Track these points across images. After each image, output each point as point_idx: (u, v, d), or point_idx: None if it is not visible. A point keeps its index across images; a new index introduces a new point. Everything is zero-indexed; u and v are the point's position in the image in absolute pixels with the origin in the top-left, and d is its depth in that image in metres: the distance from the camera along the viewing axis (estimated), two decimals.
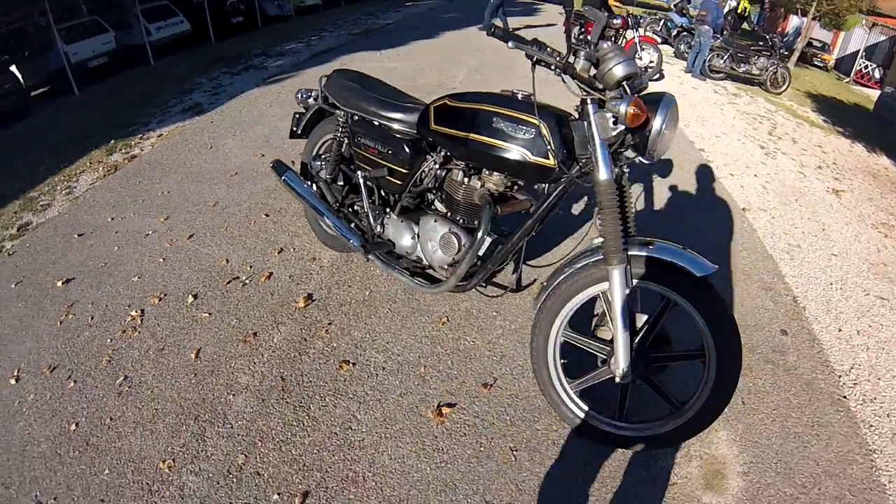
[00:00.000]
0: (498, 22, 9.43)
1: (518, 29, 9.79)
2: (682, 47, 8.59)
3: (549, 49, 1.40)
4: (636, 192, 3.59)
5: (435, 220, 1.85)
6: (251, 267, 2.70)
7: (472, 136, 1.59)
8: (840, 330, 2.48)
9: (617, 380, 1.52)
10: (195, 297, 2.49)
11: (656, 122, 1.36)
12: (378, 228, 2.14)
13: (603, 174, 1.37)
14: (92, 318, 2.40)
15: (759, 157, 4.77)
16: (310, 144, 2.56)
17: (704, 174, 4.09)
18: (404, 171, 1.91)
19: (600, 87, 1.38)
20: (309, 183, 2.49)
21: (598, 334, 1.66)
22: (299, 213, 3.14)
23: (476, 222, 1.74)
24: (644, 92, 1.45)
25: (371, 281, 2.54)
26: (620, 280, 1.40)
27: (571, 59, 1.39)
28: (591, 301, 1.62)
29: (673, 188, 3.72)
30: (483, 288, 2.15)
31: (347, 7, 16.51)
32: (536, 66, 1.44)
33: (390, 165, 1.96)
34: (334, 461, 1.67)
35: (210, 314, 2.37)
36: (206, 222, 3.16)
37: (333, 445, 1.72)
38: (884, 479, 1.72)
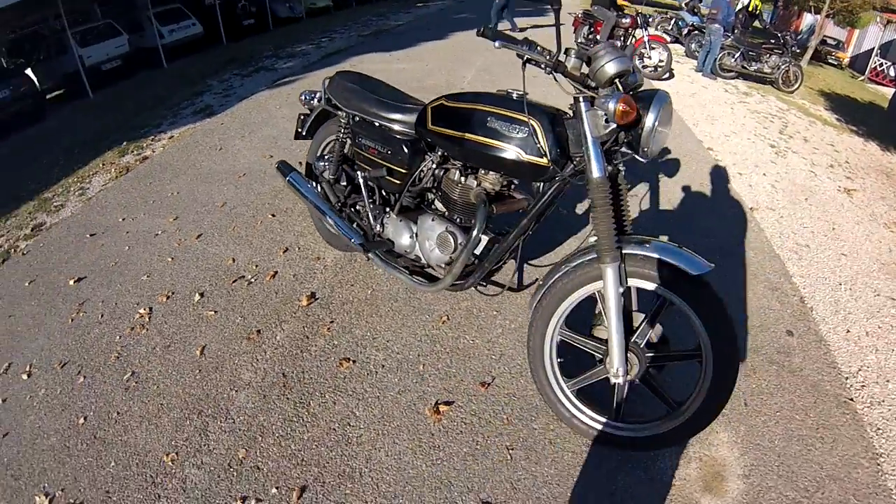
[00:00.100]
0: (505, 24, 9.44)
1: (524, 29, 9.78)
2: (693, 46, 8.50)
3: (539, 48, 1.41)
4: (642, 191, 3.58)
5: (432, 220, 1.87)
6: (257, 266, 2.75)
7: (468, 135, 1.60)
8: (848, 331, 2.44)
9: (611, 379, 1.51)
10: (202, 295, 2.54)
11: (648, 120, 1.35)
12: (378, 227, 2.16)
13: (595, 172, 1.38)
14: (102, 315, 2.47)
15: (769, 155, 4.70)
16: (314, 145, 2.60)
17: (712, 173, 4.05)
18: (403, 170, 1.94)
19: (593, 85, 1.38)
20: (313, 183, 2.53)
21: (595, 333, 1.65)
22: (305, 214, 3.18)
23: (472, 221, 1.75)
24: (641, 89, 1.45)
25: (373, 280, 2.57)
26: (614, 278, 1.40)
27: (563, 57, 1.39)
28: (592, 300, 1.61)
29: (679, 187, 3.70)
30: (483, 287, 2.17)
31: (358, 8, 16.64)
32: (527, 65, 1.45)
33: (390, 165, 1.98)
34: (332, 456, 1.69)
35: (216, 312, 2.42)
36: (214, 222, 3.22)
37: (332, 441, 1.75)
38: (890, 483, 1.68)
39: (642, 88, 1.45)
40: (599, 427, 1.67)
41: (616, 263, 1.40)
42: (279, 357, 2.12)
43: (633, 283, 1.48)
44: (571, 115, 1.50)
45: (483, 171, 1.73)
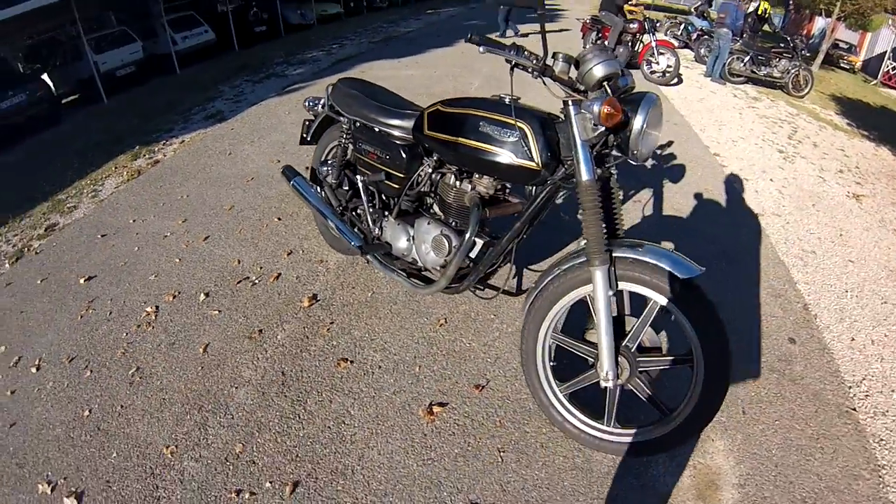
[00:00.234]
0: (510, 34, 9.51)
1: (529, 34, 9.83)
2: (702, 51, 8.46)
3: (526, 52, 1.43)
4: (646, 196, 3.58)
5: (428, 223, 1.90)
6: (261, 268, 2.80)
7: (461, 140, 1.63)
8: (853, 339, 2.40)
9: (601, 383, 1.51)
10: (207, 295, 2.60)
11: (637, 122, 1.37)
12: (377, 231, 2.20)
13: (584, 175, 1.40)
14: (110, 313, 2.54)
15: (777, 161, 4.67)
16: (318, 150, 2.65)
17: (717, 179, 4.04)
18: (401, 175, 1.97)
19: (582, 88, 1.40)
20: (317, 188, 2.58)
21: (588, 337, 1.65)
22: (310, 218, 3.24)
23: (466, 224, 1.77)
24: (630, 92, 1.46)
25: (374, 283, 2.60)
26: (603, 281, 1.41)
27: (550, 61, 1.41)
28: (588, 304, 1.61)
29: (683, 193, 3.69)
30: (481, 290, 2.19)
31: (369, 15, 16.83)
32: (515, 69, 1.47)
33: (388, 170, 2.02)
34: (326, 453, 1.73)
35: (220, 311, 2.47)
36: (222, 225, 3.28)
37: (326, 438, 1.78)
38: (892, 496, 1.65)
39: (635, 91, 1.47)
40: (591, 431, 1.66)
41: (605, 266, 1.41)
42: (279, 356, 2.16)
43: (624, 286, 1.48)
44: (563, 118, 1.51)
45: (477, 176, 1.76)
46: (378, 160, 2.06)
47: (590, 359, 1.62)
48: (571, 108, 1.40)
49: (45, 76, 9.52)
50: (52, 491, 1.67)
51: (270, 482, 1.63)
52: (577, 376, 1.67)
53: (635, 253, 1.43)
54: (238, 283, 2.68)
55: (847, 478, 1.69)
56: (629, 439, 1.62)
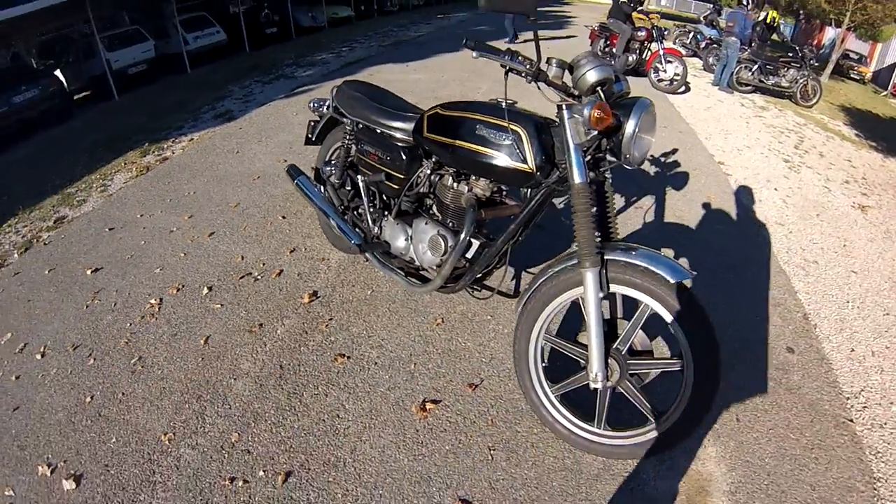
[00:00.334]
0: (511, 46, 9.56)
1: (528, 41, 9.87)
2: (710, 60, 8.46)
3: (520, 58, 1.46)
4: (648, 203, 3.59)
5: (426, 223, 1.93)
6: (264, 264, 2.85)
7: (458, 142, 1.66)
8: (853, 350, 2.39)
9: (591, 384, 1.52)
10: (210, 289, 2.64)
11: (629, 127, 1.39)
12: (376, 230, 2.24)
13: (577, 178, 1.42)
14: (115, 304, 2.59)
15: (782, 170, 4.67)
16: (323, 151, 2.69)
17: (721, 187, 4.04)
18: (401, 175, 2.01)
19: (576, 93, 1.43)
20: (320, 187, 2.62)
21: (580, 339, 1.66)
22: (313, 217, 3.28)
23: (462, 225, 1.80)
24: (624, 98, 1.49)
25: (374, 282, 2.64)
26: (594, 283, 1.43)
27: (544, 66, 1.44)
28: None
29: (686, 201, 3.69)
30: (478, 291, 2.21)
31: (380, 19, 16.96)
32: (509, 74, 1.50)
33: (388, 170, 2.05)
34: (319, 445, 1.76)
35: (222, 305, 2.51)
36: (227, 222, 3.34)
37: (320, 431, 1.81)
38: None
39: (629, 96, 1.49)
40: (581, 433, 1.67)
41: (596, 268, 1.43)
42: (278, 350, 2.20)
43: (616, 289, 1.49)
44: (558, 123, 1.54)
45: (474, 178, 1.78)
46: (379, 161, 2.10)
47: (581, 361, 1.63)
48: (565, 113, 1.43)
49: (57, 72, 9.67)
50: (51, 473, 1.72)
51: (264, 471, 1.67)
52: (569, 378, 1.68)
53: (627, 256, 1.44)
54: (241, 278, 2.73)
55: (841, 489, 1.67)
56: (619, 442, 1.62)
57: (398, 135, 2.02)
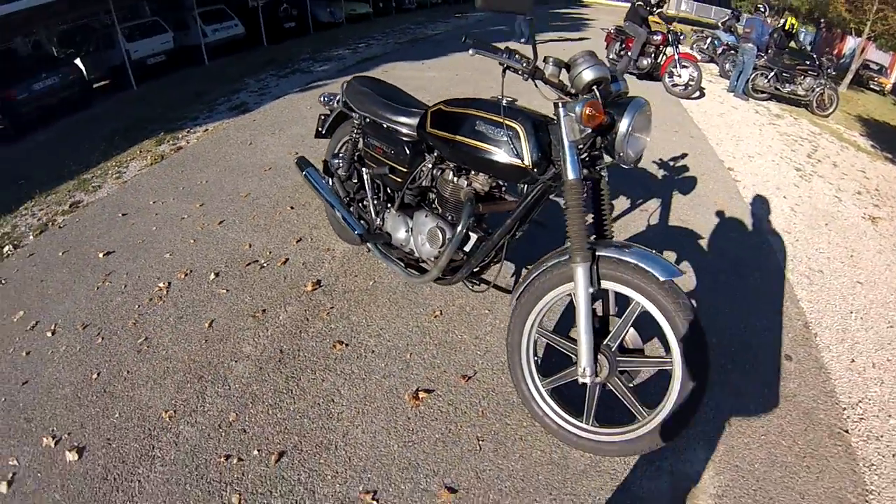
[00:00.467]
0: (521, 48, 9.59)
1: (546, 42, 9.89)
2: (727, 66, 8.38)
3: (517, 56, 1.49)
4: (653, 205, 3.59)
5: (426, 216, 1.98)
6: (270, 252, 2.91)
7: (458, 138, 1.70)
8: (853, 361, 2.37)
9: (579, 379, 1.54)
10: (217, 275, 2.71)
11: (622, 126, 1.41)
12: (379, 221, 2.29)
13: (570, 174, 1.45)
14: (125, 286, 2.67)
15: (793, 178, 4.62)
16: (332, 144, 2.74)
17: (728, 193, 4.02)
18: (404, 169, 2.05)
19: (573, 91, 1.46)
20: (328, 179, 2.67)
21: (573, 334, 1.65)
22: (321, 208, 3.34)
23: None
24: (622, 97, 1.51)
25: (376, 273, 2.68)
26: (584, 278, 1.45)
27: (541, 65, 1.47)
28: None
29: (692, 205, 3.68)
30: (477, 285, 2.24)
31: (398, 16, 17.04)
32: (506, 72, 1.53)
33: (392, 164, 2.10)
34: (313, 428, 1.81)
35: (227, 291, 2.58)
36: (237, 210, 3.41)
37: (315, 414, 1.86)
38: None
39: (628, 96, 1.51)
40: (570, 428, 1.68)
41: (587, 264, 1.45)
42: (279, 335, 2.26)
43: (607, 285, 1.51)
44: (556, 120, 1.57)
45: (473, 173, 1.82)
46: (384, 154, 2.14)
47: (573, 356, 1.64)
48: (561, 110, 1.46)
49: (77, 61, 9.90)
50: (55, 444, 1.79)
51: (258, 450, 1.72)
52: (560, 372, 1.69)
53: (619, 253, 1.46)
54: (247, 265, 2.79)
55: (832, 500, 1.65)
56: (607, 439, 1.62)
57: (403, 129, 2.06)
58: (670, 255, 2.97)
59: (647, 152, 4.64)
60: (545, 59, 1.47)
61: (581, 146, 1.47)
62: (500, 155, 1.60)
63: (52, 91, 8.25)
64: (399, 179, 2.11)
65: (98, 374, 2.08)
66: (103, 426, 1.84)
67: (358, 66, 8.19)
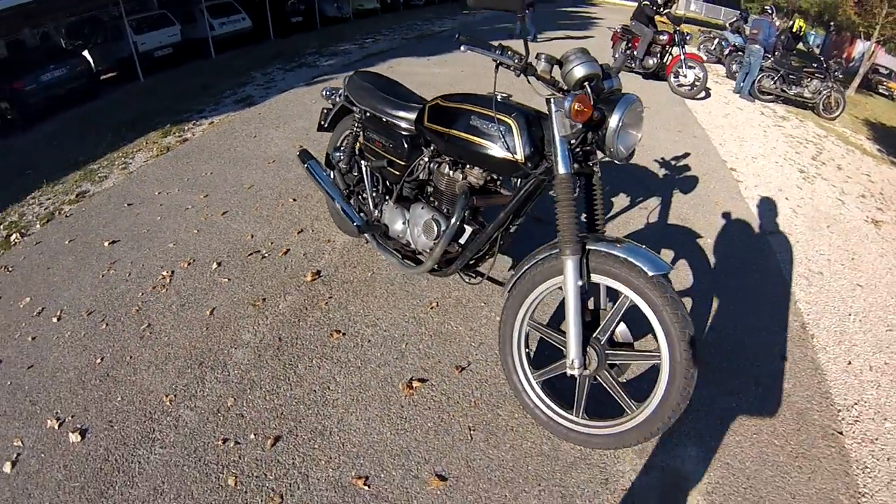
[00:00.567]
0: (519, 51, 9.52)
1: (550, 40, 9.86)
2: (734, 67, 8.34)
3: (509, 52, 1.51)
4: (653, 204, 3.60)
5: (422, 208, 2.01)
6: (272, 243, 2.95)
7: (453, 132, 1.73)
8: (850, 363, 2.36)
9: (567, 371, 1.57)
10: (219, 264, 2.75)
11: (612, 121, 1.44)
12: (377, 213, 2.32)
13: (561, 168, 1.47)
14: (129, 274, 2.72)
15: (796, 180, 4.62)
16: (334, 137, 2.78)
17: (729, 193, 4.02)
18: (402, 162, 2.08)
19: (565, 87, 1.48)
20: (329, 171, 2.71)
21: (563, 328, 1.65)
22: (322, 200, 3.37)
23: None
24: (615, 94, 1.52)
25: (375, 264, 2.72)
26: (573, 270, 1.48)
27: (533, 61, 1.49)
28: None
29: (692, 204, 3.69)
30: (473, 278, 2.27)
31: (405, 12, 17.02)
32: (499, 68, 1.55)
33: (391, 157, 2.13)
34: (308, 414, 1.85)
35: (229, 280, 2.62)
36: (240, 202, 3.45)
37: (310, 401, 1.90)
38: None
39: (622, 93, 1.53)
40: (560, 420, 1.70)
41: (576, 256, 1.48)
42: (278, 323, 2.30)
43: (596, 279, 1.53)
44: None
45: (469, 167, 1.85)
46: (382, 148, 2.17)
47: (563, 348, 1.64)
48: (552, 106, 1.48)
49: (85, 53, 9.93)
50: (59, 426, 1.84)
51: (255, 434, 1.76)
52: (551, 364, 1.71)
53: (609, 247, 1.48)
54: (249, 255, 2.83)
55: (823, 501, 1.65)
56: (596, 431, 1.63)
57: (402, 124, 2.09)
58: (668, 254, 2.98)
59: (649, 151, 4.69)
60: (537, 56, 1.49)
61: (573, 141, 1.50)
62: (494, 149, 1.63)
63: (60, 82, 8.32)
64: (397, 172, 2.14)
65: (102, 359, 2.13)
66: (106, 409, 1.89)
67: (364, 62, 8.20)
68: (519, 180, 1.71)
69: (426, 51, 9.05)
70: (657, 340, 1.48)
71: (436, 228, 1.91)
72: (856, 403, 2.13)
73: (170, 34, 10.82)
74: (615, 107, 1.44)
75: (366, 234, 2.29)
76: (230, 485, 1.60)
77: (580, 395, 1.65)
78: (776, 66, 7.29)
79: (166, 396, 1.92)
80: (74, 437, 1.78)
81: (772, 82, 7.35)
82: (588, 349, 1.58)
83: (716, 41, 10.05)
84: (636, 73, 7.62)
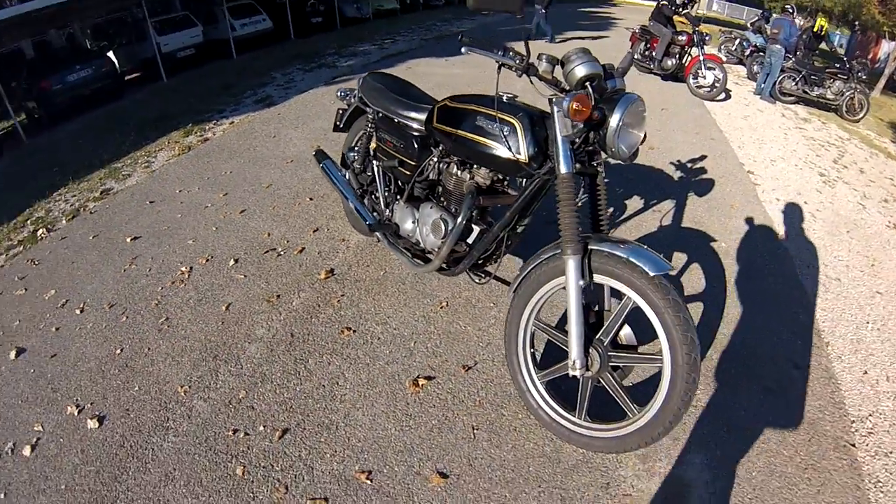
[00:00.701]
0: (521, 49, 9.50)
1: (565, 40, 9.77)
2: (755, 68, 8.17)
3: (511, 53, 1.53)
4: (667, 206, 3.57)
5: (431, 207, 2.04)
6: (288, 241, 3.02)
7: (460, 132, 1.76)
8: (866, 373, 2.29)
9: (569, 371, 1.57)
10: (236, 261, 2.83)
11: (612, 120, 1.44)
12: (388, 213, 2.36)
13: (562, 168, 1.49)
14: (150, 269, 2.82)
15: (816, 184, 4.52)
16: (349, 137, 2.83)
17: (746, 196, 3.96)
18: (412, 162, 2.12)
19: (567, 88, 1.49)
20: (344, 171, 2.76)
21: (567, 327, 1.67)
22: (338, 200, 3.43)
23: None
24: (617, 94, 1.52)
25: (387, 264, 2.76)
26: (574, 271, 1.48)
27: (535, 61, 1.50)
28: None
29: (707, 207, 3.65)
30: (482, 278, 2.29)
31: (425, 13, 17.08)
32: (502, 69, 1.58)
33: (401, 157, 2.17)
34: (316, 408, 1.89)
35: (245, 276, 2.69)
36: (258, 201, 3.54)
37: (319, 395, 1.95)
38: None
39: (623, 92, 1.53)
40: (562, 422, 1.70)
41: (578, 256, 1.48)
42: (291, 319, 2.36)
43: (599, 279, 1.54)
44: None
45: (476, 167, 1.87)
46: (394, 148, 2.21)
47: (566, 349, 1.63)
48: (555, 106, 1.50)
49: (110, 53, 10.23)
50: (78, 413, 1.93)
51: (264, 426, 1.82)
52: (556, 365, 1.71)
53: (611, 247, 1.48)
54: (265, 252, 2.90)
55: None
56: (598, 434, 1.63)
57: (413, 124, 2.13)
58: (680, 257, 2.96)
59: (665, 153, 4.64)
60: (539, 57, 1.51)
61: (576, 141, 1.51)
62: (499, 149, 1.65)
63: (85, 82, 8.60)
64: (408, 172, 2.17)
65: (121, 350, 2.22)
66: (123, 398, 1.97)
67: (382, 62, 8.27)
68: (524, 180, 1.73)
69: (445, 51, 9.07)
70: (660, 342, 1.46)
71: (443, 227, 1.94)
72: (870, 415, 2.06)
73: (192, 35, 11.06)
74: (615, 106, 1.45)
75: (377, 233, 2.33)
76: (238, 474, 1.66)
77: (583, 396, 1.65)
78: (798, 67, 7.11)
79: (181, 387, 2.00)
80: (92, 424, 1.86)
81: (793, 83, 7.17)
82: (591, 350, 1.58)
83: (737, 41, 9.85)
84: (655, 74, 7.53)
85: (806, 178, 4.59)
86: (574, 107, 1.39)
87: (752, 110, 6.73)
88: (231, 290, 2.58)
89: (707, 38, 6.74)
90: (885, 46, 13.85)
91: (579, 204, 1.55)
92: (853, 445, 1.88)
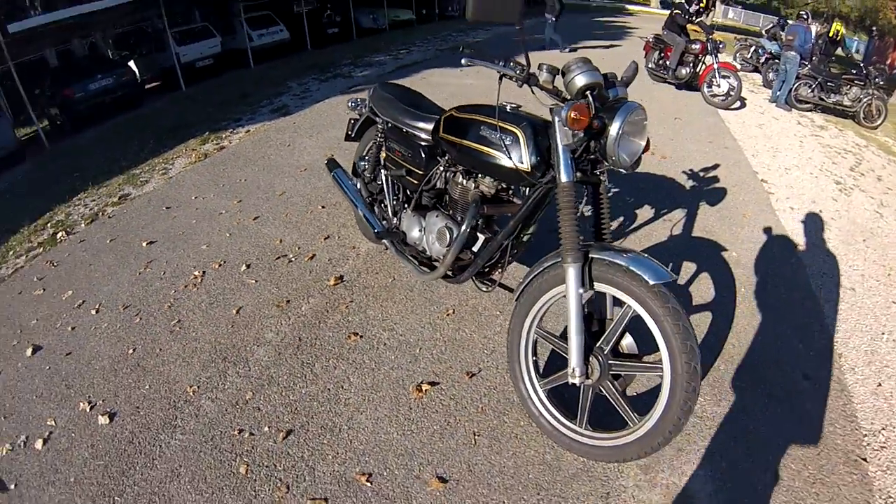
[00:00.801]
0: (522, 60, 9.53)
1: (577, 49, 9.77)
2: (770, 75, 8.08)
3: (511, 63, 1.55)
4: (678, 216, 3.55)
5: (437, 216, 2.07)
6: (299, 248, 3.07)
7: (465, 142, 1.79)
8: (880, 385, 2.24)
9: (569, 379, 1.57)
10: (248, 266, 2.89)
11: (612, 129, 1.45)
12: (396, 221, 2.40)
13: (563, 177, 1.50)
14: (164, 273, 2.89)
15: (832, 192, 4.44)
16: (360, 147, 2.88)
17: (759, 205, 3.91)
18: (420, 172, 2.15)
19: (568, 97, 1.51)
20: (355, 180, 2.81)
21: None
22: (350, 208, 3.47)
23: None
24: (619, 103, 1.53)
25: (396, 271, 2.79)
26: (575, 279, 1.49)
27: (535, 71, 1.53)
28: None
29: (719, 216, 3.61)
30: (488, 285, 2.30)
31: (440, 23, 17.23)
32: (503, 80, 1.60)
33: (409, 166, 2.21)
34: (321, 411, 1.92)
35: (256, 281, 2.75)
36: (271, 208, 3.61)
37: (324, 398, 1.98)
38: None
39: (624, 101, 1.54)
40: (564, 430, 1.70)
41: (578, 264, 1.49)
42: (300, 324, 2.40)
43: (600, 287, 1.54)
44: None
45: (480, 176, 1.90)
46: (402, 157, 2.25)
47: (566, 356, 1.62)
48: (555, 115, 1.52)
49: (131, 63, 10.54)
50: (90, 409, 1.99)
51: (269, 427, 1.86)
52: (557, 373, 1.70)
53: (612, 256, 1.49)
54: (277, 258, 2.96)
55: None
56: (598, 443, 1.62)
57: (421, 134, 2.16)
58: (690, 267, 2.94)
59: (677, 163, 4.62)
60: (539, 67, 1.53)
61: (577, 150, 1.52)
62: (502, 158, 1.67)
63: (106, 91, 8.86)
64: (415, 181, 2.21)
65: (134, 350, 2.29)
66: (134, 396, 2.03)
67: (397, 73, 8.36)
68: (528, 189, 1.74)
69: (459, 62, 9.10)
70: (660, 351, 1.45)
71: (448, 235, 1.96)
72: (883, 428, 2.01)
73: (211, 45, 11.33)
74: (615, 115, 1.46)
75: (385, 241, 2.37)
76: (241, 472, 1.69)
77: (584, 405, 1.65)
78: (814, 74, 7.01)
79: (190, 387, 2.05)
80: (103, 420, 1.92)
81: (809, 90, 7.07)
82: (591, 358, 1.58)
83: (752, 49, 9.76)
84: (669, 83, 7.51)
85: (821, 187, 4.53)
86: (572, 116, 1.40)
87: (767, 118, 6.65)
88: (242, 295, 2.64)
89: (721, 45, 6.70)
90: None
91: (587, 214, 1.55)
92: (865, 460, 1.83)
